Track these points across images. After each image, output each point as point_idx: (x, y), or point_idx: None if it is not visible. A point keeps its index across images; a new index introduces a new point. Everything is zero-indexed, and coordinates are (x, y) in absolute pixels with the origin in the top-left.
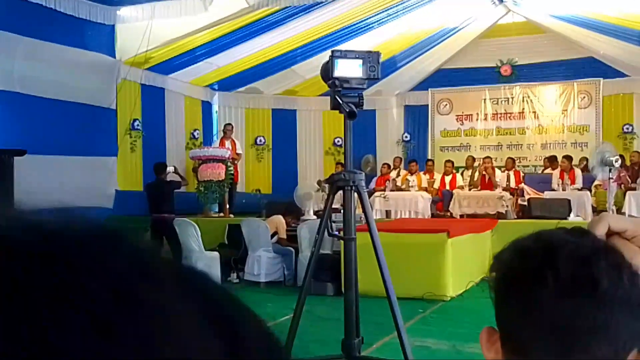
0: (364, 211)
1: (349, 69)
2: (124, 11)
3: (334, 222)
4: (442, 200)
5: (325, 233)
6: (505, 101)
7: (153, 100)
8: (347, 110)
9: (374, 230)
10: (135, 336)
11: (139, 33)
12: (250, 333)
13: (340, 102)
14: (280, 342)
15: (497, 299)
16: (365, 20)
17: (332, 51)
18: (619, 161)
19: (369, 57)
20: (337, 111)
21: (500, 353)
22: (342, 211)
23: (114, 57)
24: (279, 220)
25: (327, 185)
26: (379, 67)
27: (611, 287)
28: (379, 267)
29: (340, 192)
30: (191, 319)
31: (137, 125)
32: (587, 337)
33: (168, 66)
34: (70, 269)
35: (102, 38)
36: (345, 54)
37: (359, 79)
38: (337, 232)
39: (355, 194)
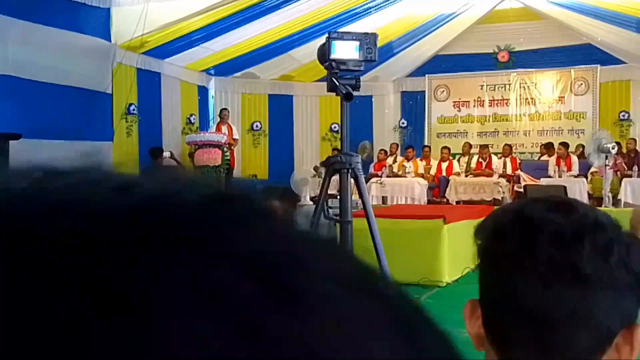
0: (361, 194)
1: (345, 51)
2: None
3: (331, 207)
4: (438, 186)
5: (322, 217)
6: (502, 87)
7: (149, 84)
8: (344, 92)
9: (370, 213)
10: (292, 339)
11: (135, 17)
12: (429, 338)
13: (337, 84)
14: (457, 353)
15: (479, 274)
16: (362, 5)
17: (329, 33)
18: (615, 148)
19: (366, 39)
20: (334, 95)
21: (483, 329)
22: (338, 196)
23: (110, 41)
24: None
25: (323, 169)
26: (376, 49)
27: (595, 273)
28: (374, 249)
29: (337, 176)
30: (363, 319)
31: (133, 109)
32: (567, 326)
33: (164, 50)
34: (193, 252)
35: (98, 21)
36: (342, 36)
37: (356, 61)
38: (333, 216)
39: (352, 178)
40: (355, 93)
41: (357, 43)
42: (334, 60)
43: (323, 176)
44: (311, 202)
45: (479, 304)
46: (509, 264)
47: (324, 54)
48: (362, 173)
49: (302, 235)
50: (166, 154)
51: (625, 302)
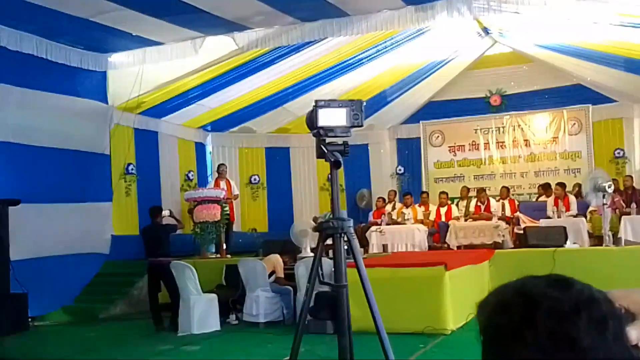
0: (354, 258)
1: (332, 118)
2: (115, 57)
3: (331, 257)
4: (438, 232)
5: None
6: (496, 131)
7: (147, 143)
8: (332, 159)
9: (364, 277)
10: None
11: (131, 78)
12: None
13: (325, 151)
14: None
15: (482, 348)
16: (354, 57)
17: (316, 101)
18: (612, 187)
19: (352, 106)
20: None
21: None
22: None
23: (107, 103)
24: (276, 259)
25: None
26: (362, 114)
27: (591, 345)
28: (371, 313)
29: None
30: None
31: (132, 169)
32: None
33: (161, 110)
34: None
35: (94, 85)
36: (329, 104)
37: (343, 127)
38: (329, 276)
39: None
40: (351, 142)
41: (343, 110)
42: (321, 127)
43: (317, 240)
44: (312, 254)
45: None
46: (511, 336)
47: (311, 121)
48: (354, 236)
49: None
50: (165, 212)
51: None
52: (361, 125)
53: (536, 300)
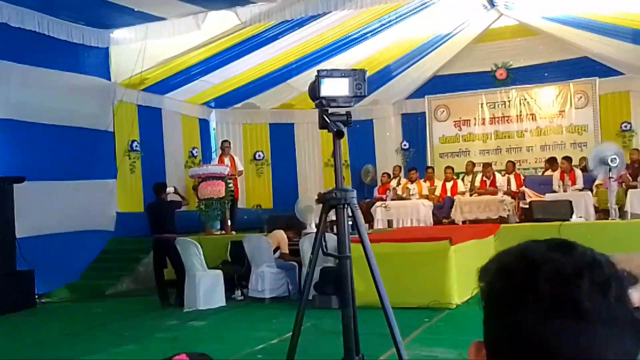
0: (358, 229)
1: (335, 88)
2: (117, 33)
3: (335, 233)
4: (443, 206)
5: (321, 252)
6: (502, 105)
7: (150, 120)
8: (335, 129)
9: (368, 248)
10: None
11: (134, 55)
12: None
13: (328, 121)
14: None
15: (484, 315)
16: (358, 31)
17: (318, 71)
18: (616, 160)
19: (355, 75)
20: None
21: None
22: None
23: (110, 79)
24: (281, 235)
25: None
26: (365, 84)
27: (594, 308)
28: (375, 285)
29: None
30: None
31: (136, 146)
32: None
33: (164, 86)
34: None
35: (97, 61)
36: (331, 73)
37: (346, 97)
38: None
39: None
40: (356, 117)
41: (346, 80)
42: (324, 97)
43: (320, 212)
44: (316, 230)
45: (483, 345)
46: (513, 300)
47: (314, 91)
48: (357, 207)
49: None
50: (170, 189)
51: (625, 339)
52: (364, 95)
53: (538, 264)
